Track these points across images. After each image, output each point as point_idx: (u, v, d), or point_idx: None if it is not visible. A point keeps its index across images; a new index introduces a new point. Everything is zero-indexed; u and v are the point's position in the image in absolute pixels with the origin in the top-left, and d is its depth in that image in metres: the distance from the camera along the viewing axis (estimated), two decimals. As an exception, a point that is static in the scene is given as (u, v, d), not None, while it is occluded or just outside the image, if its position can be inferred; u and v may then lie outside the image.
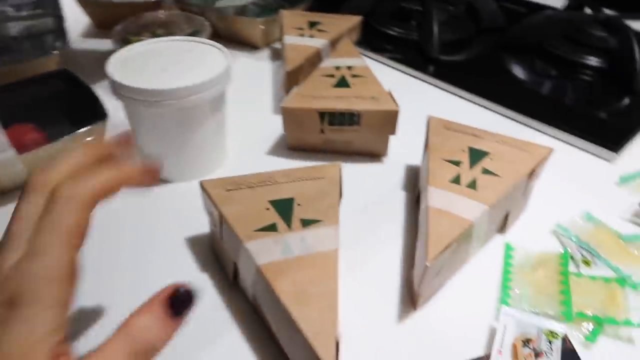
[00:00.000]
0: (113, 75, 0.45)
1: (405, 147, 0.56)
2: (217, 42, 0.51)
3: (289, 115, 0.52)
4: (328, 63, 0.59)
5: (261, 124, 0.60)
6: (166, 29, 0.63)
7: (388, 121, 0.52)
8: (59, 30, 0.67)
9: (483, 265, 0.43)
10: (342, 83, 0.55)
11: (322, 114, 0.51)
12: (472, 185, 0.42)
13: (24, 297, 0.23)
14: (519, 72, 0.74)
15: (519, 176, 0.42)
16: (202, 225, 0.45)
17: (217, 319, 0.39)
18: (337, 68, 0.57)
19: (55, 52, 0.62)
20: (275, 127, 0.59)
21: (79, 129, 0.49)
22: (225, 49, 0.50)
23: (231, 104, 0.65)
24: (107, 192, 0.27)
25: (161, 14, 0.67)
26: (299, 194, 0.41)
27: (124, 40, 0.61)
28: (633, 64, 0.68)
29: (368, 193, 0.51)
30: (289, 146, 0.56)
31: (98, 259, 0.43)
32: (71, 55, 0.71)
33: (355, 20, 0.72)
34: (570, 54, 0.75)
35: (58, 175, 0.27)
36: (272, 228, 0.38)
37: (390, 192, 0.51)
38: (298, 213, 0.39)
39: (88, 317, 0.39)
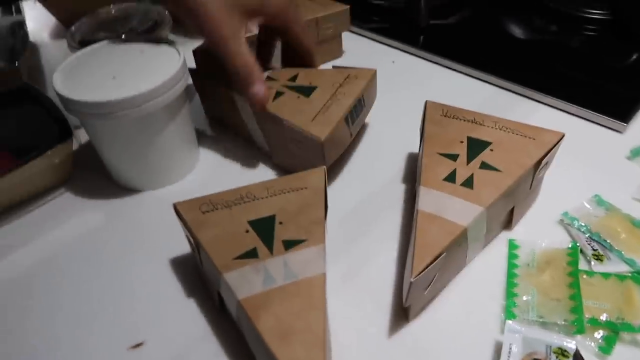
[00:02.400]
0: (60, 90, 0.42)
1: (401, 133, 0.52)
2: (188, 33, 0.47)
3: (329, 143, 0.44)
4: None
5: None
6: (123, 25, 0.58)
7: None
8: (18, 38, 0.62)
9: (486, 267, 0.40)
10: (306, 90, 0.47)
11: (346, 118, 0.45)
12: (469, 183, 0.38)
13: None
14: (516, 31, 0.69)
15: (523, 169, 0.38)
16: (182, 241, 0.42)
17: (207, 350, 0.36)
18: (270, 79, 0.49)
19: (15, 64, 0.58)
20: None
21: (44, 151, 0.46)
22: (180, 48, 0.46)
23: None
24: None
25: (114, 8, 0.62)
26: (280, 210, 0.37)
27: (81, 43, 0.56)
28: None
29: (363, 188, 0.47)
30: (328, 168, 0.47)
31: (70, 288, 0.41)
32: (35, 64, 0.67)
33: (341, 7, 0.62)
34: (570, 7, 0.70)
35: None
36: (252, 254, 0.35)
37: (388, 186, 0.47)
38: (280, 233, 0.36)
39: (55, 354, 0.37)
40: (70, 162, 0.50)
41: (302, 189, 0.39)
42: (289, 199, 0.38)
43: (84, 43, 0.56)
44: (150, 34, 0.59)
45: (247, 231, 0.36)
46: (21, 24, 0.65)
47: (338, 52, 0.66)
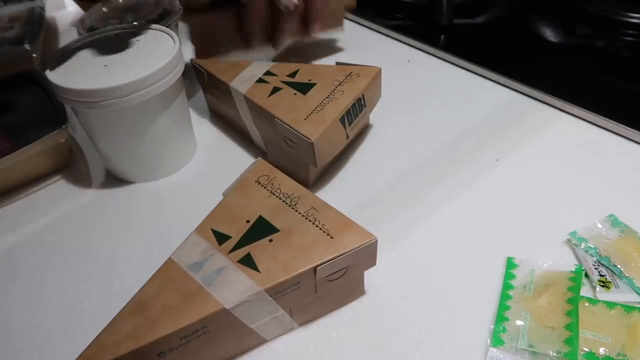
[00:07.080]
0: (50, 77, 0.41)
1: (406, 138, 0.50)
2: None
3: (321, 144, 0.41)
4: (244, 77, 0.47)
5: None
6: (134, 13, 0.58)
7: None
8: (35, 23, 0.63)
9: (478, 285, 0.36)
10: (303, 87, 0.46)
11: (342, 118, 0.43)
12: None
13: None
14: (548, 34, 0.64)
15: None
16: (166, 238, 0.40)
17: None
18: (266, 76, 0.47)
19: (26, 47, 0.58)
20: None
21: (39, 137, 0.46)
22: (175, 36, 0.45)
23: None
24: None
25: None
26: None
27: (90, 31, 0.56)
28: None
29: (356, 194, 0.45)
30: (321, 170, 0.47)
31: (50, 277, 0.40)
32: (52, 49, 0.68)
33: None
34: (608, 11, 0.65)
35: None
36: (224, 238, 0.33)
37: (384, 194, 0.45)
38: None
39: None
40: (66, 149, 0.50)
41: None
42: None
43: (92, 30, 0.55)
44: (159, 23, 0.58)
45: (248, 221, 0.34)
46: (40, 10, 0.66)
47: (339, 20, 0.62)
